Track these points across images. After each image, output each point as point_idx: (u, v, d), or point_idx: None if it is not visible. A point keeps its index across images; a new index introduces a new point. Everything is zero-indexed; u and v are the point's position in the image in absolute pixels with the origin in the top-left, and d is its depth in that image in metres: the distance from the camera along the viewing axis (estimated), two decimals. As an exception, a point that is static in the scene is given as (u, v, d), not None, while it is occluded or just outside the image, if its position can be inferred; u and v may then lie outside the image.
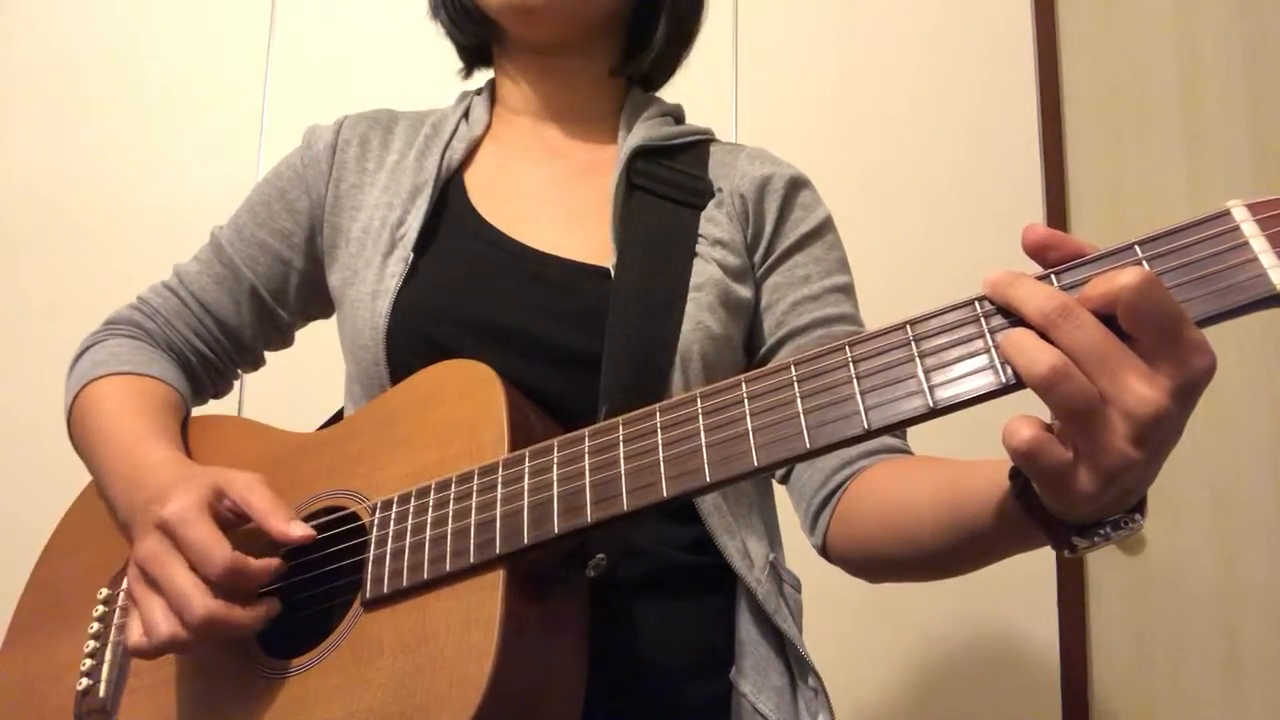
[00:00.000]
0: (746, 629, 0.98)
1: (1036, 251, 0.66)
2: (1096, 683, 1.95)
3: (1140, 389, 0.59)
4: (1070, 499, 0.64)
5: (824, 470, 1.02)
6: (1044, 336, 0.61)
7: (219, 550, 0.84)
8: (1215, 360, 0.60)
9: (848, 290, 1.11)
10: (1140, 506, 0.68)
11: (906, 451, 1.03)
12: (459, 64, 1.24)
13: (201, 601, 0.83)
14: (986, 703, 1.90)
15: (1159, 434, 0.61)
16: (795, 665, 0.99)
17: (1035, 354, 0.60)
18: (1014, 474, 0.73)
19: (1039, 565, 1.93)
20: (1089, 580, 1.98)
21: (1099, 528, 0.67)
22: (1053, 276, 0.64)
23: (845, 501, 1.00)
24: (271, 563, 0.88)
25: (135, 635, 0.87)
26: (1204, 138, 2.13)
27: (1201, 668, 1.94)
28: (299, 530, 0.88)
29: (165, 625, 0.84)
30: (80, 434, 1.10)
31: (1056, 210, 2.09)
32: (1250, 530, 1.97)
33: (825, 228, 1.12)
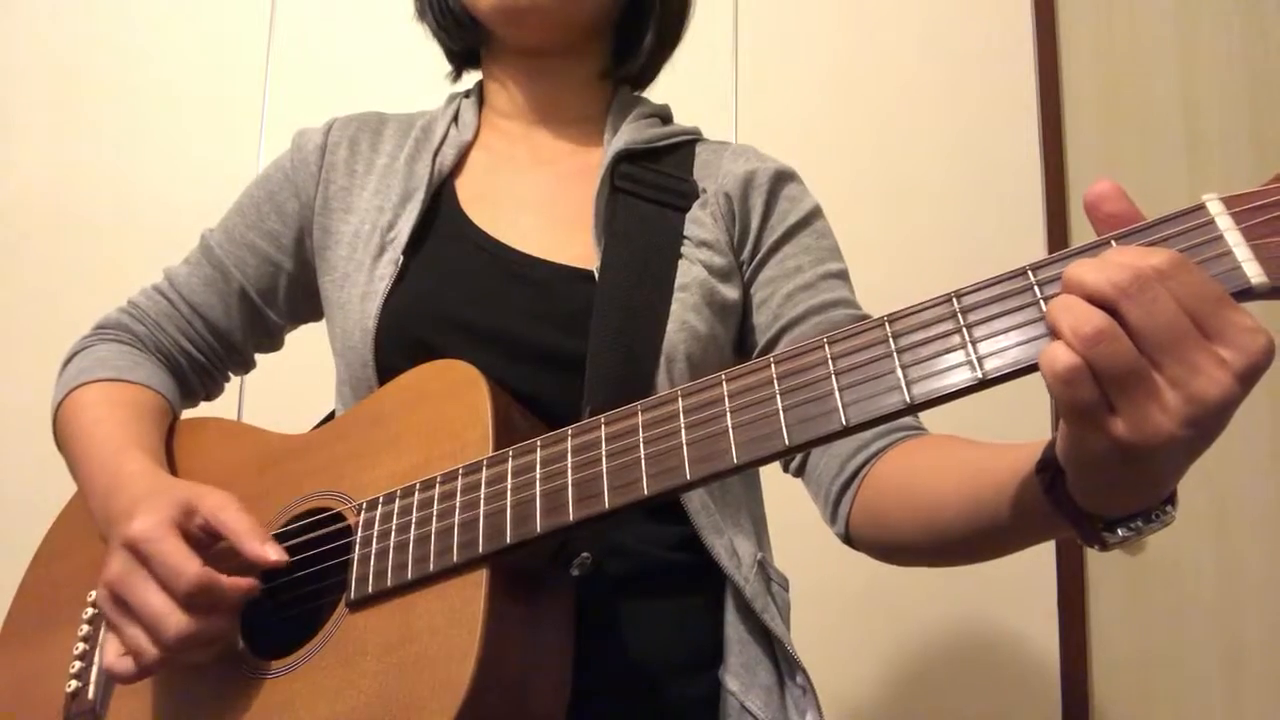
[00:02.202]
0: (734, 627, 0.98)
1: (1096, 201, 0.64)
2: (1096, 683, 1.94)
3: (1213, 371, 0.57)
4: (1100, 468, 0.63)
5: (839, 457, 1.01)
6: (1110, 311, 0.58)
7: (189, 567, 0.84)
8: (1273, 341, 0.58)
9: (842, 276, 1.10)
10: (1172, 498, 0.67)
11: (920, 429, 1.01)
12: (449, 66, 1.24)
13: (175, 620, 0.83)
14: (986, 702, 1.90)
15: (1219, 419, 0.59)
16: (783, 663, 0.99)
17: (1086, 314, 0.58)
18: (1042, 467, 0.72)
19: (1039, 565, 1.92)
20: (1089, 580, 1.98)
21: (1131, 520, 0.66)
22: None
23: (867, 487, 0.98)
24: (243, 582, 0.87)
25: (110, 658, 0.87)
26: (1204, 138, 2.12)
27: (1201, 668, 1.93)
28: (274, 554, 0.88)
29: (147, 649, 0.84)
30: (64, 442, 1.10)
31: (1056, 210, 2.09)
32: (1250, 530, 1.96)
33: (813, 217, 1.12)
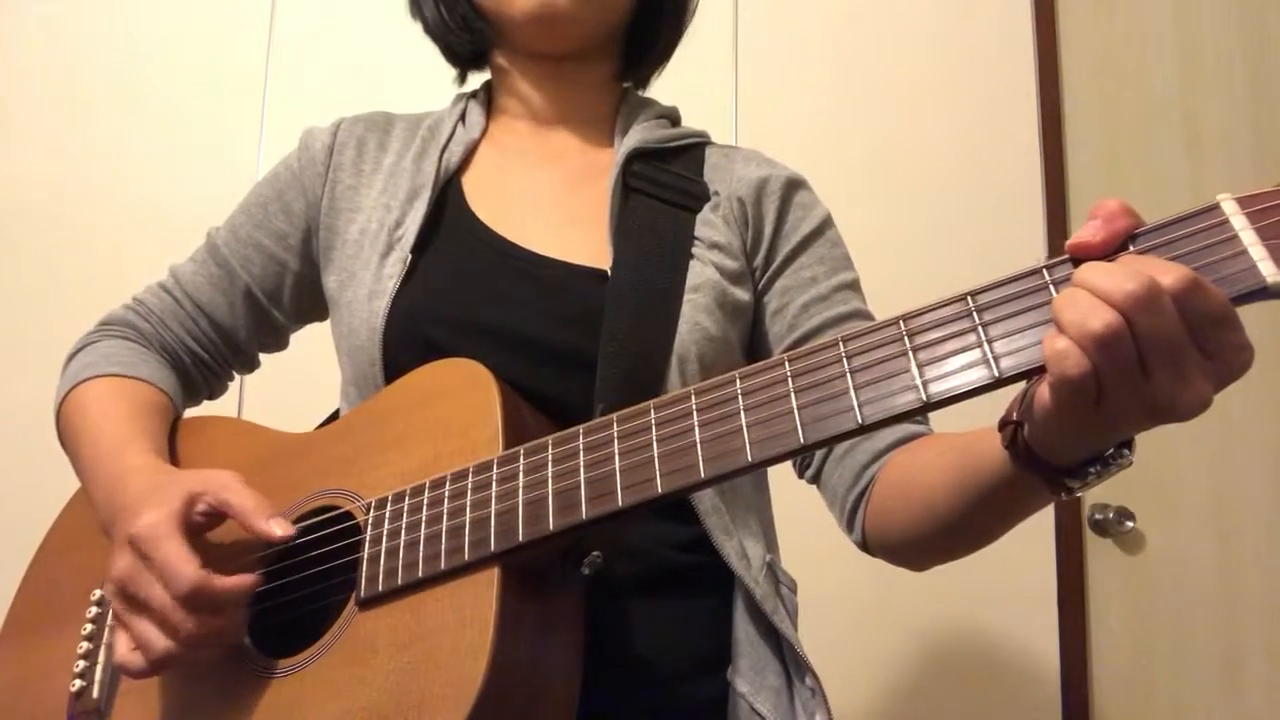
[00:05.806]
0: (744, 629, 0.98)
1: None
2: (1096, 684, 1.94)
3: (1199, 384, 0.60)
4: (1070, 432, 0.66)
5: (854, 468, 1.02)
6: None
7: (185, 570, 0.84)
8: (1253, 356, 0.61)
9: (855, 286, 1.11)
10: (1129, 442, 0.69)
11: (929, 432, 1.02)
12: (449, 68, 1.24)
13: (185, 617, 0.84)
14: (987, 703, 1.90)
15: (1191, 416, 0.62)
16: (792, 665, 0.98)
17: (1093, 310, 0.60)
18: (1003, 424, 0.73)
19: (1039, 567, 1.93)
20: (1089, 581, 1.98)
21: (1089, 466, 0.69)
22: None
23: (876, 494, 1.00)
24: (241, 581, 0.87)
25: (122, 653, 0.87)
26: (1204, 138, 2.12)
27: (1201, 668, 1.94)
28: (281, 529, 0.88)
29: (157, 643, 0.85)
30: (67, 437, 1.10)
31: (1056, 210, 2.09)
32: (1250, 530, 1.96)
33: (825, 226, 1.12)
